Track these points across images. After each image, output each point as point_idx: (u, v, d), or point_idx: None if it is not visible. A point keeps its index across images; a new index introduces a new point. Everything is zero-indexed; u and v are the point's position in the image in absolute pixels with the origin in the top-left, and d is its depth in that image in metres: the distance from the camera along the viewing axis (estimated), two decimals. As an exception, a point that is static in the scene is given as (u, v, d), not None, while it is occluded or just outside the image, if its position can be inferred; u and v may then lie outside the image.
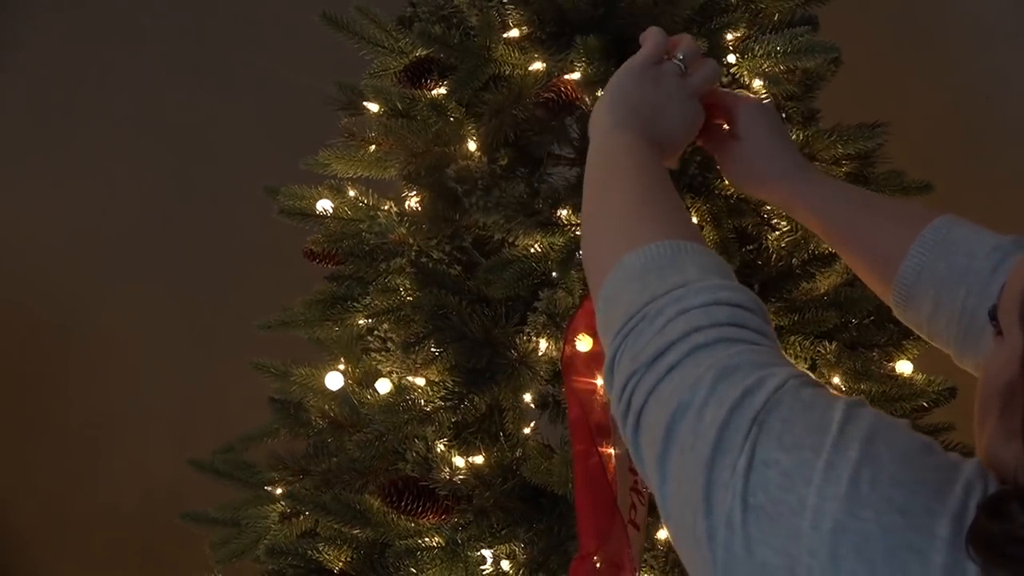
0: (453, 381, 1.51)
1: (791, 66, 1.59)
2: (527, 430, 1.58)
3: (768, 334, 0.78)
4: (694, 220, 1.59)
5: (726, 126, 1.21)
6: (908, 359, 1.67)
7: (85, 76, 2.94)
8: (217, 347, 2.88)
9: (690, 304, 0.77)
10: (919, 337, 1.68)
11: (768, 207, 1.67)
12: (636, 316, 0.79)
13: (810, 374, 0.75)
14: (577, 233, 1.56)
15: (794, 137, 1.66)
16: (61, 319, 2.99)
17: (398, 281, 1.64)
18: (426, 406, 1.53)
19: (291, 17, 2.64)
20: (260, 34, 2.88)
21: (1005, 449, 0.66)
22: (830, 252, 1.70)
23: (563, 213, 1.58)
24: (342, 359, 1.80)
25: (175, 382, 2.95)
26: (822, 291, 1.65)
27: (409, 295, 1.61)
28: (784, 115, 1.68)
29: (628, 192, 0.94)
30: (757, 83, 1.63)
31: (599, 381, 1.25)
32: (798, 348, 1.58)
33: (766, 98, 1.57)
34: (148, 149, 2.94)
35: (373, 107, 1.75)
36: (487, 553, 1.52)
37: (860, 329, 1.63)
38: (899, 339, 1.66)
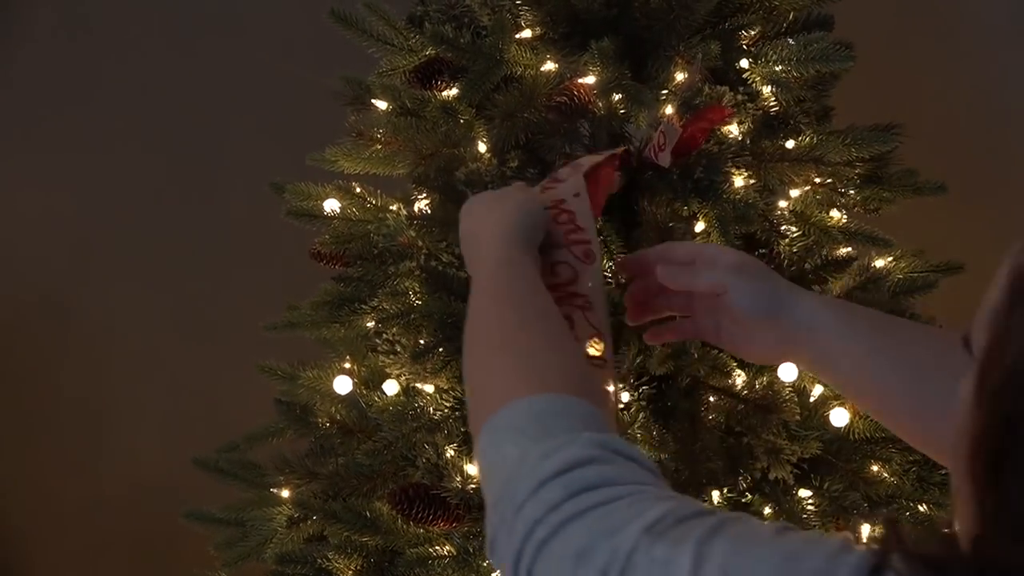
0: (463, 390, 1.50)
1: (804, 73, 1.57)
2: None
3: (624, 473, 0.73)
4: (700, 226, 1.57)
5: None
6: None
7: (86, 68, 2.90)
8: (212, 342, 2.86)
9: (521, 497, 0.73)
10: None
11: (777, 213, 1.66)
12: (493, 514, 0.76)
13: (671, 505, 0.70)
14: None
15: (806, 140, 1.64)
16: (57, 311, 2.96)
17: (407, 285, 1.62)
18: (435, 414, 1.52)
19: (292, 11, 2.61)
20: (263, 29, 2.84)
21: None
22: (843, 256, 1.68)
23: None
24: (347, 358, 1.79)
25: (169, 376, 2.94)
26: (836, 294, 1.64)
27: (418, 299, 1.60)
28: (792, 120, 1.66)
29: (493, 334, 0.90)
30: (767, 89, 1.61)
31: None
32: (812, 354, 1.57)
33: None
34: (147, 143, 2.90)
35: (381, 105, 1.73)
36: (498, 562, 1.52)
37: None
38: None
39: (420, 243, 1.62)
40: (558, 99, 1.54)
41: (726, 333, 1.06)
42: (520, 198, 1.08)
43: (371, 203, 1.70)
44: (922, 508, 1.63)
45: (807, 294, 1.01)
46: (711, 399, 1.55)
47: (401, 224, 1.62)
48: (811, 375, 1.04)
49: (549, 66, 1.59)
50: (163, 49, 2.87)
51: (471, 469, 1.54)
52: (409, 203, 1.68)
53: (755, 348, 1.04)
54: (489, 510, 0.77)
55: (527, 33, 1.60)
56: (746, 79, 1.60)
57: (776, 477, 1.53)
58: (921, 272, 1.71)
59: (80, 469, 2.94)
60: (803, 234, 1.63)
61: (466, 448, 1.56)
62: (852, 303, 1.08)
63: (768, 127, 1.62)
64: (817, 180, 1.66)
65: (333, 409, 1.72)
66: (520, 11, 1.58)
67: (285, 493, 1.73)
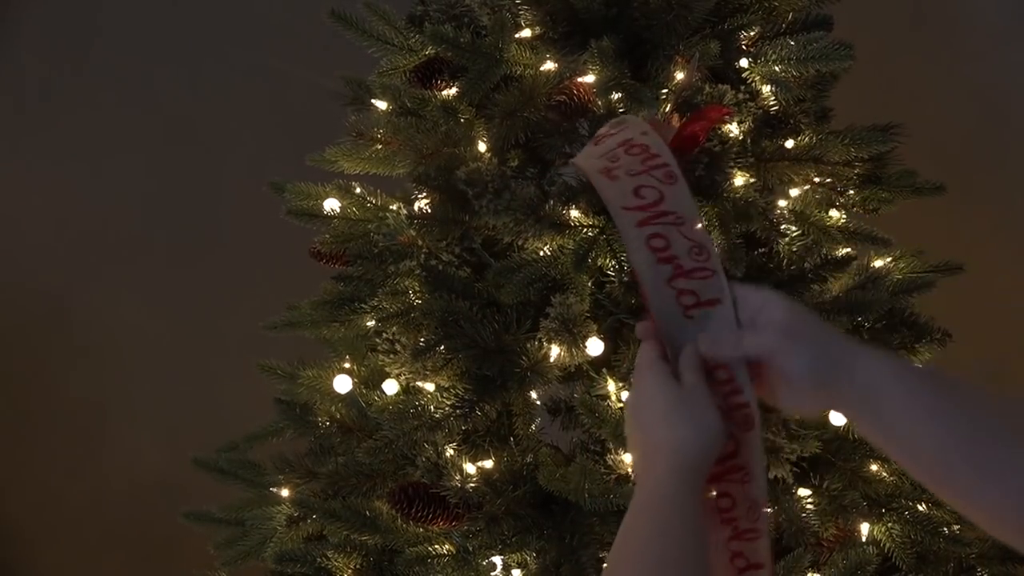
0: (464, 388, 1.50)
1: (804, 72, 1.57)
2: (537, 434, 1.57)
3: None
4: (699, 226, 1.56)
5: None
6: (920, 363, 1.66)
7: (87, 68, 2.90)
8: (212, 341, 2.86)
9: None
10: (932, 340, 1.68)
11: (777, 212, 1.66)
12: None
13: None
14: (588, 234, 1.54)
15: (806, 140, 1.64)
16: (59, 311, 2.96)
17: (407, 284, 1.62)
18: (435, 412, 1.52)
19: (293, 11, 2.61)
20: (263, 29, 2.84)
21: None
22: (843, 256, 1.68)
23: (574, 213, 1.56)
24: (347, 357, 1.79)
25: (170, 375, 2.94)
26: (835, 293, 1.64)
27: (419, 298, 1.60)
28: (792, 120, 1.66)
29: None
30: (767, 88, 1.61)
31: None
32: (810, 354, 1.57)
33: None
34: (147, 143, 2.90)
35: (381, 105, 1.73)
36: (498, 560, 1.52)
37: (873, 332, 1.62)
38: (912, 342, 1.66)
39: (420, 242, 1.62)
40: (558, 98, 1.54)
41: (780, 394, 0.96)
42: (699, 415, 0.94)
43: (371, 203, 1.70)
44: (921, 507, 1.63)
45: (864, 354, 0.91)
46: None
47: (401, 223, 1.62)
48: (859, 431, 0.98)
49: (549, 65, 1.59)
50: (163, 49, 2.87)
51: (470, 468, 1.54)
52: (409, 202, 1.68)
53: (813, 408, 0.97)
54: None
55: (527, 32, 1.61)
56: (746, 78, 1.60)
57: (776, 476, 1.52)
58: (920, 272, 1.71)
59: (81, 468, 2.94)
60: (802, 233, 1.63)
61: (466, 447, 1.56)
62: (909, 362, 0.99)
63: (768, 126, 1.62)
64: (816, 180, 1.66)
65: (333, 408, 1.72)
66: (520, 10, 1.59)
67: (285, 492, 1.73)
